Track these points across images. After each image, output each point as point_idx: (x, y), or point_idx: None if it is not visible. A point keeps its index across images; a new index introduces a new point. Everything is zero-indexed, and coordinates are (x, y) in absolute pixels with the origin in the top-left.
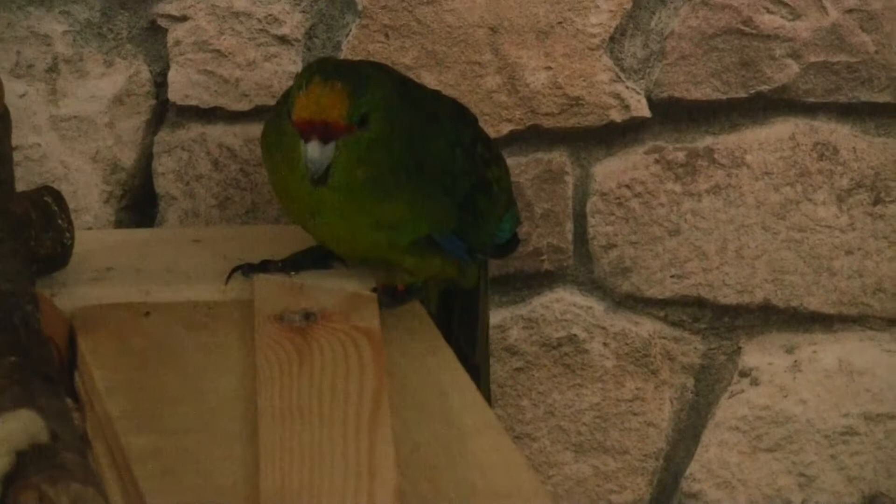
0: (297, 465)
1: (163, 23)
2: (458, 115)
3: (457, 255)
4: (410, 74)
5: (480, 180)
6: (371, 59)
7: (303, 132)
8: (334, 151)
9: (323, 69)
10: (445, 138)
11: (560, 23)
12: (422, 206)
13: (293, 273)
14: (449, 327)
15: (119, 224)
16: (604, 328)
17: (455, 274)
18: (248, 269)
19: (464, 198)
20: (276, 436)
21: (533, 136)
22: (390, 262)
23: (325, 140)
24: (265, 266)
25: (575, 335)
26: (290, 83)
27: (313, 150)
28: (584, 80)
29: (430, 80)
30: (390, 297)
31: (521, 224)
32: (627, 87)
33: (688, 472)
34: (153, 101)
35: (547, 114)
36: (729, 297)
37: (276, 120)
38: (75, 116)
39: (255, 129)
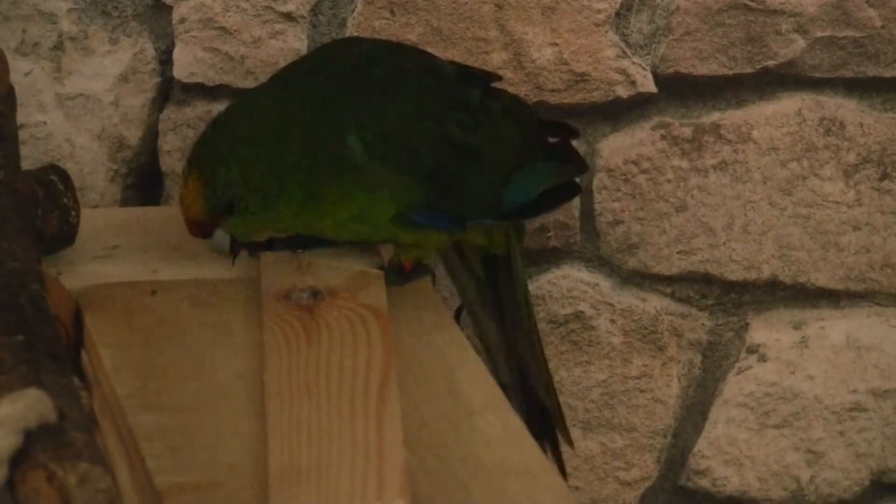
0: (305, 443)
1: (168, 0)
2: (427, 87)
3: (443, 228)
4: None
5: (454, 147)
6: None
7: (191, 232)
8: (225, 233)
9: (195, 156)
10: (402, 114)
11: None
12: (372, 192)
13: (300, 251)
14: (496, 294)
15: (125, 202)
16: (611, 305)
17: (484, 241)
18: (254, 248)
19: (432, 169)
20: (284, 414)
21: (539, 113)
22: (389, 241)
23: (206, 235)
24: (271, 244)
25: (582, 312)
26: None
27: (210, 242)
28: (589, 56)
29: None
30: (397, 275)
31: (568, 173)
32: (633, 63)
33: (696, 448)
34: (158, 79)
35: (553, 90)
36: (736, 274)
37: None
38: (81, 94)
39: None
